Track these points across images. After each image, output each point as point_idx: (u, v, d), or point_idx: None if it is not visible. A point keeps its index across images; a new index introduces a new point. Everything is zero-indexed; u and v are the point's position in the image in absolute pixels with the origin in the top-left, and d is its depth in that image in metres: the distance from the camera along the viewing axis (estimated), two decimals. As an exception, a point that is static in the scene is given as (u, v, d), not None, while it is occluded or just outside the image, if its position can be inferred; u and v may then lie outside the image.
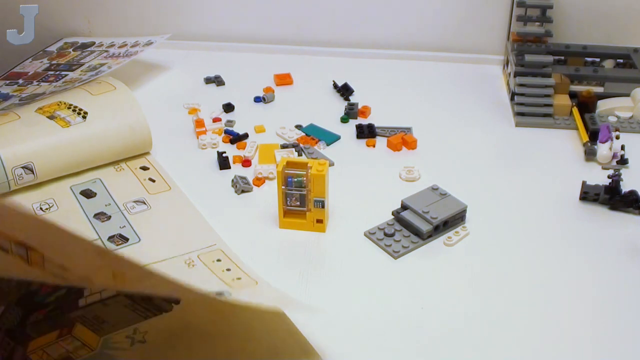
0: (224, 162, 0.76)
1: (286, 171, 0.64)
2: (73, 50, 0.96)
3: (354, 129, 0.82)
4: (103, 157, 0.73)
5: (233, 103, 0.87)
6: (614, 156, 0.75)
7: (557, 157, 0.78)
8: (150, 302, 0.58)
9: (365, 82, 0.92)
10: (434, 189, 0.68)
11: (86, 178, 0.73)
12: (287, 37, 1.02)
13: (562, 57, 0.92)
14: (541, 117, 0.84)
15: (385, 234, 0.65)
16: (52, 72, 0.89)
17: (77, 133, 0.71)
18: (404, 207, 0.67)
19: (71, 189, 0.71)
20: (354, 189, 0.72)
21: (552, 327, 0.56)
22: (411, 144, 0.79)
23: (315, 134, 0.81)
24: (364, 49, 1.01)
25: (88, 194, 0.71)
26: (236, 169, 0.76)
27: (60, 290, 0.59)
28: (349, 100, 0.89)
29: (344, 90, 0.90)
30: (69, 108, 0.74)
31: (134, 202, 0.70)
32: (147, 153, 0.77)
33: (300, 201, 0.65)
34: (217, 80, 0.94)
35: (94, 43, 0.97)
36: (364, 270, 0.62)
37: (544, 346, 0.55)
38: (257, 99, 0.89)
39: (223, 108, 0.87)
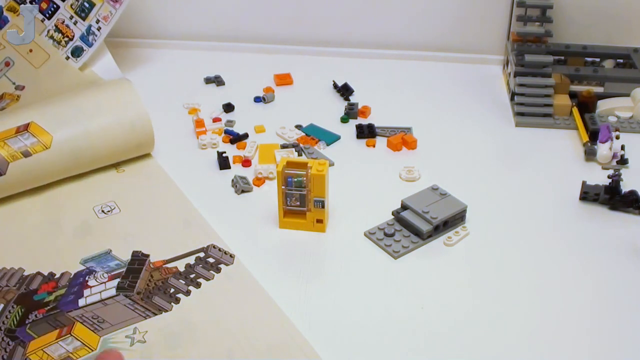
0: (224, 162, 0.76)
1: (286, 171, 0.64)
2: None
3: (354, 129, 0.82)
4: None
5: (233, 103, 0.87)
6: (614, 156, 0.75)
7: (557, 157, 0.78)
8: (150, 301, 0.58)
9: (365, 82, 0.92)
10: (434, 189, 0.68)
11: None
12: (287, 37, 1.02)
13: (562, 57, 0.92)
14: (541, 117, 0.84)
15: (385, 234, 0.65)
16: None
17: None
18: (404, 207, 0.67)
19: None
20: (354, 189, 0.72)
21: (552, 326, 0.56)
22: (411, 144, 0.79)
23: (315, 134, 0.81)
24: (364, 49, 1.01)
25: None
26: (236, 169, 0.76)
27: (59, 289, 0.59)
28: (349, 100, 0.89)
29: (344, 90, 0.90)
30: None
31: None
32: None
33: (300, 201, 0.65)
34: (217, 80, 0.94)
35: None
36: (364, 270, 0.62)
37: (544, 346, 0.55)
38: (257, 99, 0.89)
39: (223, 108, 0.87)
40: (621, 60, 0.92)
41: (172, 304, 0.58)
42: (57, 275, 0.61)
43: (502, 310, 0.58)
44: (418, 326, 0.56)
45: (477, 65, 0.98)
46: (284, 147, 0.78)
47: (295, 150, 0.77)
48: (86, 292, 0.59)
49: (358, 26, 1.00)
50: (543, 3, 0.88)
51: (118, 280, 0.60)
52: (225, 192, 0.72)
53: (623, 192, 0.69)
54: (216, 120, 0.84)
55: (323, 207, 0.65)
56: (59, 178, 0.72)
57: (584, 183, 0.70)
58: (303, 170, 0.64)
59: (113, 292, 0.59)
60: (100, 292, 0.59)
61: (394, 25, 1.00)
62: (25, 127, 0.70)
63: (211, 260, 0.62)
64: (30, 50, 0.85)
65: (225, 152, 0.77)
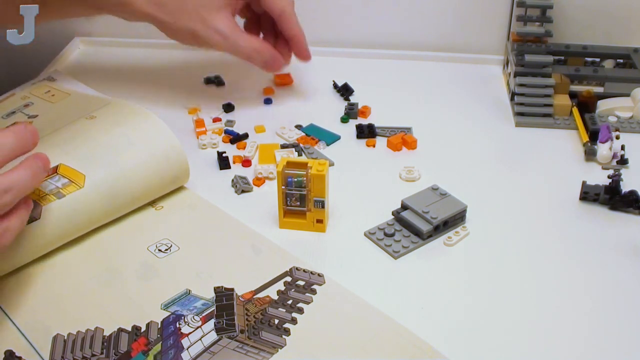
0: (224, 162, 0.76)
1: (286, 171, 0.64)
2: None
3: (354, 129, 0.82)
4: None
5: (233, 103, 0.87)
6: (614, 156, 0.75)
7: (557, 157, 0.78)
8: (259, 339, 0.53)
9: (365, 82, 0.92)
10: (434, 189, 0.68)
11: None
12: (287, 37, 1.02)
13: (562, 57, 0.92)
14: (541, 117, 0.84)
15: (385, 234, 0.65)
16: None
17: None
18: (404, 207, 0.67)
19: None
20: (354, 189, 0.72)
21: (552, 327, 0.56)
22: (411, 144, 0.79)
23: (315, 134, 0.81)
24: (363, 49, 1.01)
25: None
26: (236, 169, 0.76)
27: (153, 345, 0.53)
28: (349, 100, 0.89)
29: (344, 90, 0.90)
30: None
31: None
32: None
33: (300, 201, 0.65)
34: (217, 80, 0.94)
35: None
36: (364, 270, 0.62)
37: (544, 346, 0.55)
38: (267, 101, 0.89)
39: (223, 108, 0.87)
40: (621, 60, 0.91)
41: (284, 336, 0.53)
42: (143, 329, 0.54)
43: (502, 310, 0.58)
44: (418, 326, 0.56)
45: (477, 65, 0.98)
46: (284, 147, 0.78)
47: (295, 150, 0.77)
48: (184, 342, 0.52)
49: (358, 26, 1.00)
50: (543, 3, 0.88)
51: (213, 320, 0.54)
52: (225, 192, 0.72)
53: (623, 192, 0.69)
54: (216, 120, 0.84)
55: (323, 207, 0.65)
56: (98, 223, 0.64)
57: (584, 183, 0.70)
58: (303, 170, 0.64)
59: (214, 335, 0.53)
60: (200, 339, 0.53)
61: (394, 25, 1.00)
62: (55, 170, 0.62)
63: (301, 282, 0.58)
64: (53, 95, 0.81)
65: (225, 152, 0.77)
